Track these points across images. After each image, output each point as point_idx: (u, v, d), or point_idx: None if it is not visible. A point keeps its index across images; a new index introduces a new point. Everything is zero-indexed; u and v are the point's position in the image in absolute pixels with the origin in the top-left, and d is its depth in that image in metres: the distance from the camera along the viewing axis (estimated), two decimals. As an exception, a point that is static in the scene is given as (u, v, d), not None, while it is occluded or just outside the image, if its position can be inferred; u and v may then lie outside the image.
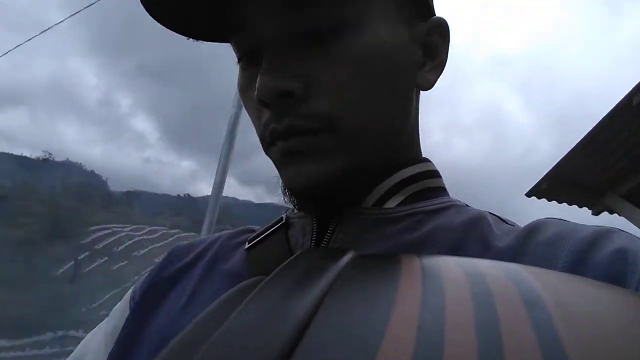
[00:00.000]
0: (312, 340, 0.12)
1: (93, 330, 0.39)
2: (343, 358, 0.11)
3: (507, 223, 0.32)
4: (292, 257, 0.20)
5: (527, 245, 0.28)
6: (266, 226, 0.37)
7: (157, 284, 0.37)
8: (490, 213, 0.33)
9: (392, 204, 0.32)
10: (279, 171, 0.32)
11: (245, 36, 0.30)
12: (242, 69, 0.32)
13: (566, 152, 3.75)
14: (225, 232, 0.42)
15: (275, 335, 0.12)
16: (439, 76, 0.34)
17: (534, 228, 0.29)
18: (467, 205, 0.35)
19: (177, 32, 0.32)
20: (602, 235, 0.26)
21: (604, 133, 3.24)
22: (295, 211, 0.36)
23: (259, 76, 0.28)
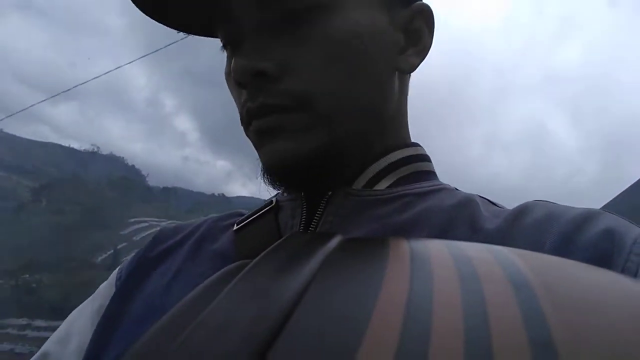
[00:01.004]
0: (300, 321, 0.12)
1: (77, 309, 0.39)
2: (331, 337, 0.11)
3: (496, 205, 0.32)
4: (278, 241, 0.20)
5: (515, 227, 0.28)
6: (256, 209, 0.37)
7: (143, 264, 0.38)
8: (480, 196, 0.33)
9: (382, 186, 0.33)
10: (257, 152, 0.32)
11: (228, 26, 0.31)
12: (227, 58, 0.33)
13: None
14: (213, 215, 0.41)
15: (261, 317, 0.12)
16: (421, 61, 0.34)
17: (523, 210, 0.29)
18: (456, 189, 0.35)
19: (164, 24, 0.32)
20: (590, 216, 0.26)
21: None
22: (286, 194, 0.36)
23: (233, 59, 0.29)
